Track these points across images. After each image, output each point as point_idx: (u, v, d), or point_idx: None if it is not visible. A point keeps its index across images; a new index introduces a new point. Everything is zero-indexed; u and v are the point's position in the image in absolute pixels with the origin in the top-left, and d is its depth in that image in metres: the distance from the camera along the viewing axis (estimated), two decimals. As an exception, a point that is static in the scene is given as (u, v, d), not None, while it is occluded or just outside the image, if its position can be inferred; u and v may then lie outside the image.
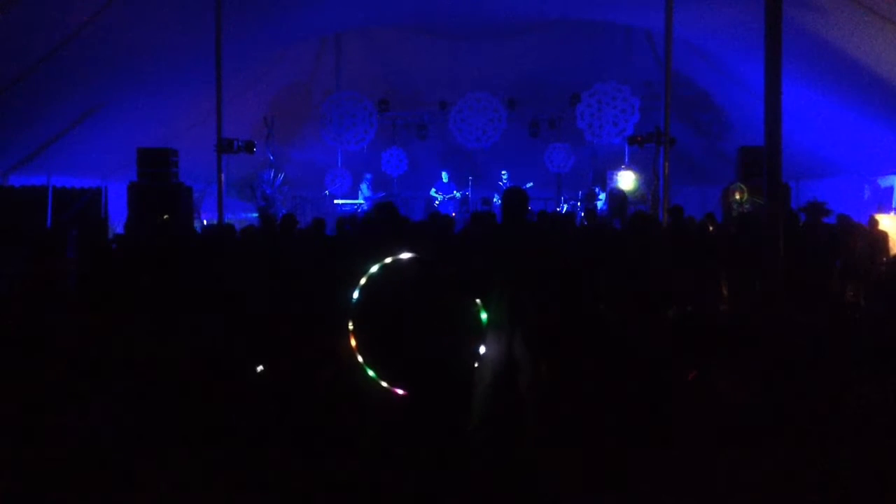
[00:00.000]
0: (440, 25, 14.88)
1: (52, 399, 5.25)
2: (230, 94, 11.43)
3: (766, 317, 5.43)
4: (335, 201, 16.31)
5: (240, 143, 11.61)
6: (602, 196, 15.15)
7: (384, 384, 4.76)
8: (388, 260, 4.85)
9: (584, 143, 15.72)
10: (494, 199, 15.80)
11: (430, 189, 15.99)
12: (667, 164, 10.73)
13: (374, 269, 4.84)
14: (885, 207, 11.30)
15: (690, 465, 4.21)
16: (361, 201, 16.21)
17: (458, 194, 15.87)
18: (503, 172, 15.91)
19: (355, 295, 4.83)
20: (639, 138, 12.37)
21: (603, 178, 15.42)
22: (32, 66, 9.35)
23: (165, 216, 10.66)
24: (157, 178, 11.45)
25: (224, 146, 10.98)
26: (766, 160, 5.38)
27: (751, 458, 4.24)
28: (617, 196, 14.34)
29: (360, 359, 4.80)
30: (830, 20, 9.40)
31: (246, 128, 14.02)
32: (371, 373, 4.78)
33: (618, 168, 15.04)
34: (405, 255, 4.87)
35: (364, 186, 16.31)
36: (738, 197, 11.24)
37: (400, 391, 4.77)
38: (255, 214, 15.84)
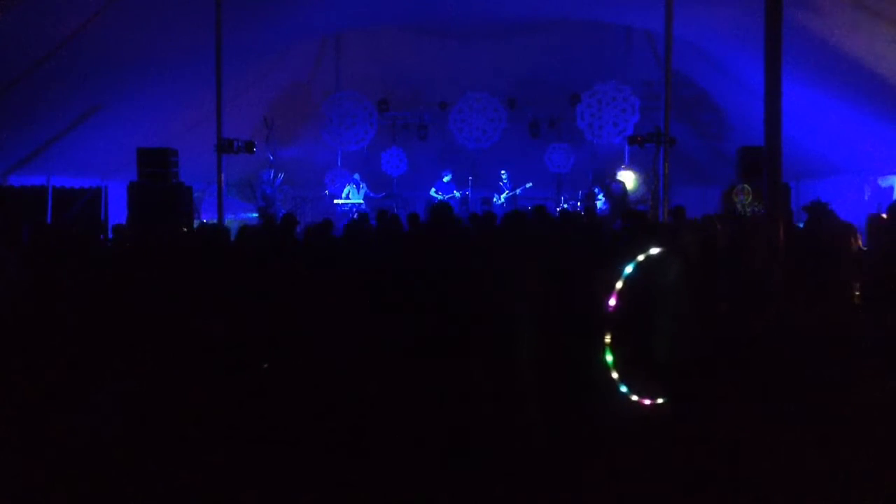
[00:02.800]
0: (440, 25, 14.89)
1: (52, 399, 5.25)
2: (230, 94, 11.43)
3: (766, 317, 5.43)
4: (335, 201, 16.32)
5: (240, 143, 11.60)
6: (601, 197, 15.14)
7: (634, 398, 4.34)
8: (641, 257, 4.38)
9: (584, 143, 15.73)
10: (494, 199, 15.81)
11: (429, 189, 15.99)
12: (667, 164, 10.73)
13: (629, 269, 4.33)
14: (885, 208, 11.28)
15: (690, 465, 4.20)
16: (361, 201, 16.22)
17: (457, 194, 15.88)
18: (503, 172, 15.92)
19: (612, 301, 4.29)
20: (639, 138, 12.36)
21: (603, 178, 15.45)
22: (32, 66, 9.34)
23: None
24: (157, 178, 11.44)
25: (224, 146, 10.97)
26: (766, 160, 5.38)
27: (752, 457, 4.24)
28: (616, 196, 14.32)
29: (615, 375, 4.32)
30: (830, 20, 9.39)
31: (246, 128, 14.02)
32: (623, 388, 4.33)
33: (617, 168, 15.05)
34: (656, 251, 4.42)
35: (352, 187, 16.31)
36: (744, 198, 11.17)
37: (648, 402, 4.37)
38: (255, 214, 15.86)
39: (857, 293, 7.07)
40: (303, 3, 11.73)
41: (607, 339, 4.30)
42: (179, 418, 4.87)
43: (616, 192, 14.40)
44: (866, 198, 12.03)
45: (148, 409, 5.03)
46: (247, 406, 5.03)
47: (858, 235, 7.61)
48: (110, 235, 10.77)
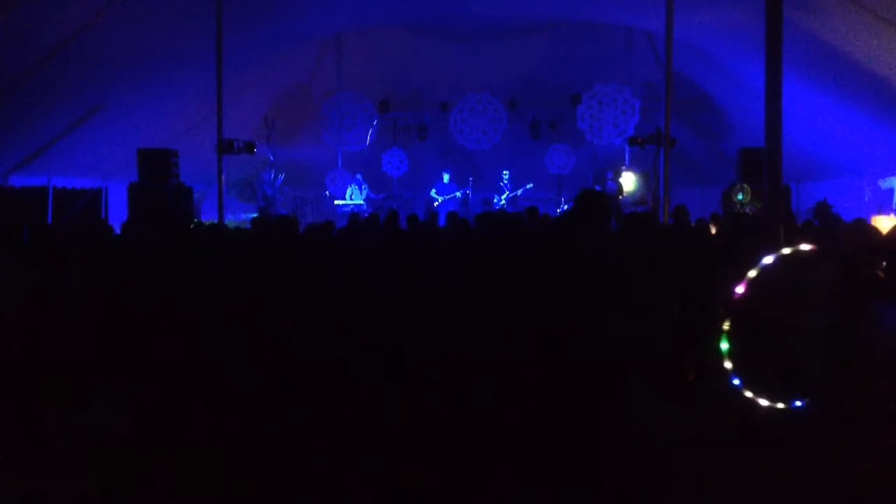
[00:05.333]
0: (441, 26, 14.90)
1: (53, 399, 5.25)
2: (231, 94, 11.44)
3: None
4: (335, 202, 16.33)
5: (240, 144, 11.60)
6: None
7: (748, 394, 4.14)
8: (787, 251, 4.10)
9: (584, 144, 15.73)
10: (495, 200, 15.81)
11: (430, 190, 16.00)
12: (667, 165, 10.72)
13: (769, 259, 4.07)
14: (886, 209, 11.29)
15: (690, 466, 4.20)
16: (361, 202, 16.23)
17: (458, 195, 15.89)
18: (504, 173, 15.94)
19: (740, 289, 4.06)
20: (639, 139, 12.37)
21: (603, 179, 15.46)
22: (33, 66, 9.35)
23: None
24: (158, 178, 11.44)
25: (225, 147, 10.98)
26: (766, 162, 5.36)
27: (751, 459, 4.24)
28: (609, 196, 14.30)
29: (728, 364, 4.13)
30: (831, 22, 9.40)
31: (246, 128, 14.03)
32: (736, 381, 4.14)
33: (620, 169, 15.06)
34: (805, 247, 4.14)
35: (354, 188, 16.33)
36: (740, 197, 11.21)
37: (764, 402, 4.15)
38: (256, 215, 15.87)
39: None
40: (303, 3, 11.74)
41: (726, 325, 4.09)
42: (177, 418, 4.87)
43: (609, 193, 14.42)
44: (867, 199, 12.03)
45: (146, 410, 5.03)
46: (245, 407, 5.03)
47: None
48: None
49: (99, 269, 6.41)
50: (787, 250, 4.13)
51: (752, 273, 4.07)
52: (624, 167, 15.00)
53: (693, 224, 8.65)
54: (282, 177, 16.00)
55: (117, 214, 13.07)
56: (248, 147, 11.86)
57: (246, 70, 13.33)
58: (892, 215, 10.73)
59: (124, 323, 5.83)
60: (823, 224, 7.47)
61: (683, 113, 14.48)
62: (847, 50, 9.85)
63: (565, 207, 15.22)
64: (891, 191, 11.62)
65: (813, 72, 10.63)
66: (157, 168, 11.46)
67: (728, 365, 4.14)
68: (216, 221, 10.94)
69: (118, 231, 9.50)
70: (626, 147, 14.42)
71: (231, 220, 13.77)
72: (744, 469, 4.13)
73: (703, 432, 4.58)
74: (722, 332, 4.11)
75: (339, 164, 16.52)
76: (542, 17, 14.18)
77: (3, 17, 8.05)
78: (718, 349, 4.16)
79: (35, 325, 5.85)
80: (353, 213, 13.06)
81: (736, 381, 4.16)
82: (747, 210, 10.92)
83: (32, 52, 9.14)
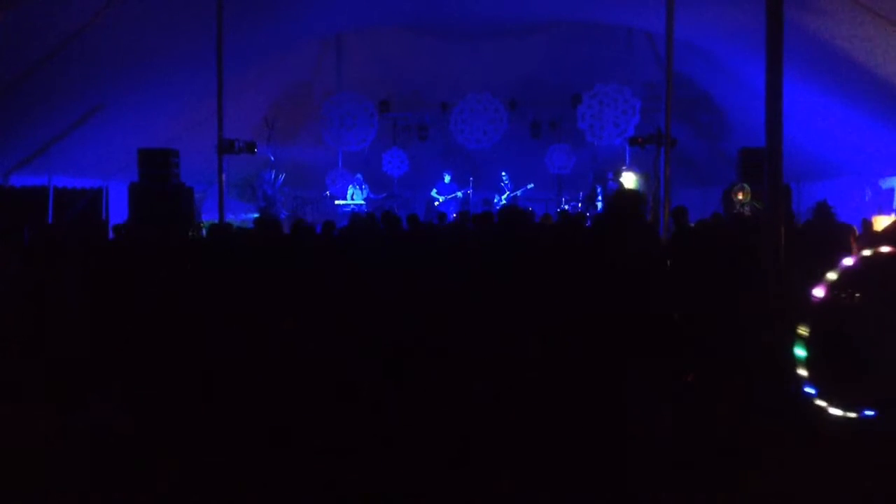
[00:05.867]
0: (442, 26, 14.90)
1: (52, 399, 5.25)
2: (231, 94, 11.43)
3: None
4: (336, 202, 16.33)
5: (241, 144, 11.60)
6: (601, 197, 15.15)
7: (821, 402, 3.89)
8: (868, 253, 3.89)
9: (584, 145, 15.73)
10: (495, 200, 15.82)
11: (430, 190, 16.01)
12: (667, 165, 10.71)
13: (849, 262, 3.86)
14: (886, 209, 11.28)
15: (690, 466, 4.19)
16: (362, 202, 16.23)
17: (459, 195, 15.89)
18: (504, 173, 15.94)
19: (819, 293, 3.77)
20: (640, 139, 12.36)
21: (603, 179, 15.46)
22: (33, 66, 9.35)
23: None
24: (158, 178, 11.42)
25: (225, 147, 10.97)
26: (767, 161, 5.36)
27: (752, 459, 4.23)
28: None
29: (803, 372, 3.85)
30: (832, 22, 9.39)
31: (247, 128, 14.03)
32: (810, 390, 3.87)
33: (621, 169, 15.06)
34: (886, 250, 3.93)
35: (354, 188, 16.35)
36: (741, 197, 11.20)
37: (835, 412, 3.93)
38: (256, 215, 15.88)
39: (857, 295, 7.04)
40: (304, 3, 11.74)
41: (803, 331, 3.80)
42: (177, 419, 4.87)
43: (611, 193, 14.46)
44: (867, 199, 12.02)
45: (146, 410, 5.03)
46: (245, 406, 5.03)
47: (858, 237, 7.61)
48: (110, 235, 10.79)
49: (99, 269, 6.42)
50: (867, 252, 3.91)
51: (832, 276, 3.80)
52: (624, 167, 14.99)
53: (693, 224, 8.64)
54: (282, 177, 16.01)
55: (117, 214, 13.07)
56: (249, 147, 11.85)
57: (246, 70, 13.33)
58: (892, 215, 10.72)
59: (124, 323, 5.83)
60: (822, 224, 7.45)
61: (683, 113, 14.47)
62: (848, 50, 9.84)
63: (566, 207, 15.22)
64: (891, 191, 11.61)
65: (813, 72, 10.62)
66: (157, 168, 11.43)
67: (803, 373, 3.87)
68: (216, 221, 10.95)
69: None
70: (627, 147, 14.42)
71: (231, 220, 13.77)
72: (744, 469, 4.13)
73: (703, 432, 4.59)
74: (798, 337, 3.84)
75: (340, 164, 16.52)
76: (542, 17, 14.18)
77: (3, 16, 8.05)
78: (794, 356, 3.88)
79: (35, 325, 5.86)
80: (354, 213, 13.08)
81: (810, 390, 3.91)
82: (747, 210, 10.91)
83: (32, 52, 9.14)
